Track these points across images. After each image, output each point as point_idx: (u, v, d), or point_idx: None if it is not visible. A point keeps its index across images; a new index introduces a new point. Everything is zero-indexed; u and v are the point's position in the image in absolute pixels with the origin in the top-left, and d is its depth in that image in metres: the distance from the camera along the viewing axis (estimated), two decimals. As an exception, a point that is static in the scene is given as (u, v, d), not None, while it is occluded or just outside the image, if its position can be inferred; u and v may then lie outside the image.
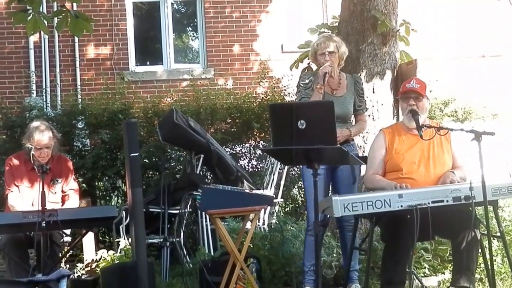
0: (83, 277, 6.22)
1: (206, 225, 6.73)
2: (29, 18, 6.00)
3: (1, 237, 5.42)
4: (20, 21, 6.12)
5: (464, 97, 8.92)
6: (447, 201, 4.39)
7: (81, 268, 6.33)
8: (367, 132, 6.24)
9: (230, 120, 8.39)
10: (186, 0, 12.07)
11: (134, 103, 8.81)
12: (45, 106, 9.56)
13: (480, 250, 4.59)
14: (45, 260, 4.83)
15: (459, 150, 4.98)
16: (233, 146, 8.30)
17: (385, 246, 4.70)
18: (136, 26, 11.45)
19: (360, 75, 6.32)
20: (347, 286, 5.17)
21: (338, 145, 4.68)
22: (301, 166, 5.61)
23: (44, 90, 10.49)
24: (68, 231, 5.71)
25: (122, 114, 8.07)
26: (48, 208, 4.93)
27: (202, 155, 7.10)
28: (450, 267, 5.51)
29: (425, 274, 5.72)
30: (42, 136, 5.59)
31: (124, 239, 6.51)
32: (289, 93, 8.43)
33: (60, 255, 5.64)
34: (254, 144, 8.38)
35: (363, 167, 5.23)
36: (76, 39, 10.77)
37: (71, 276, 5.55)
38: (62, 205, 5.71)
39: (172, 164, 8.14)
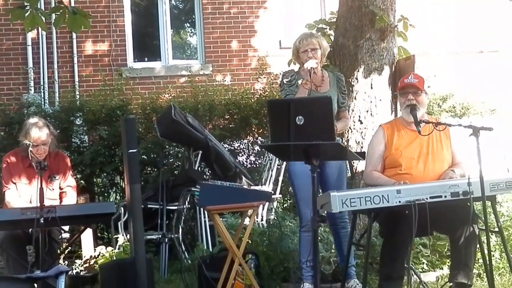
0: (81, 273, 6.24)
1: (205, 221, 6.73)
2: (27, 14, 5.99)
3: (0, 233, 5.42)
4: (18, 17, 6.11)
5: (462, 92, 8.92)
6: (445, 196, 4.39)
7: (79, 265, 6.34)
8: (365, 128, 6.26)
9: (228, 116, 8.39)
10: (184, -4, 12.09)
11: (132, 99, 8.81)
12: (43, 103, 9.56)
13: (478, 246, 4.59)
14: (43, 256, 4.83)
15: (458, 146, 4.98)
16: (231, 142, 8.31)
17: (384, 242, 4.71)
18: (134, 22, 11.43)
19: (358, 71, 6.33)
20: (346, 282, 5.17)
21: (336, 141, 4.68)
22: (287, 164, 5.60)
23: (42, 87, 10.48)
24: (66, 228, 5.71)
25: (120, 110, 8.07)
26: (46, 204, 4.93)
27: (201, 151, 7.11)
28: (448, 262, 5.53)
29: (424, 270, 5.73)
30: (39, 132, 5.57)
31: (123, 235, 6.51)
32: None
33: (59, 252, 5.64)
34: (252, 140, 8.39)
35: (361, 164, 5.23)
36: (74, 35, 10.75)
37: (69, 273, 5.56)
38: (60, 202, 5.71)
39: (171, 160, 8.14)
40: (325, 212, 4.69)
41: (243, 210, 5.38)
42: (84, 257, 6.42)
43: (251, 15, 11.49)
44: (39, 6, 6.61)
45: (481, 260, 4.80)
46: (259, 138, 8.32)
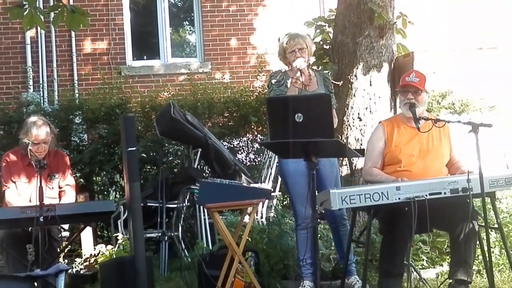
0: (81, 272, 6.24)
1: (204, 219, 6.73)
2: (25, 13, 5.98)
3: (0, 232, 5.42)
4: (16, 16, 6.10)
5: (462, 89, 8.91)
6: (445, 193, 4.40)
7: (79, 263, 6.34)
8: (364, 125, 6.26)
9: (227, 114, 8.39)
10: (182, -6, 12.08)
11: (131, 97, 8.81)
12: (42, 101, 9.55)
13: (478, 242, 4.60)
14: (43, 255, 4.84)
15: (458, 144, 4.98)
16: (231, 140, 8.30)
17: (383, 239, 4.71)
18: (133, 21, 11.43)
19: (357, 68, 6.33)
20: (346, 279, 5.18)
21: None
22: (279, 162, 5.60)
23: (41, 85, 10.47)
24: (66, 226, 5.71)
25: (120, 108, 8.07)
26: (45, 203, 4.93)
27: (200, 149, 7.10)
28: (448, 259, 5.53)
29: (423, 266, 5.73)
30: (39, 131, 5.58)
31: (122, 233, 6.51)
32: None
33: (58, 250, 5.64)
34: (251, 137, 8.39)
35: (361, 161, 5.23)
36: (73, 34, 10.74)
37: (69, 271, 5.58)
38: (59, 201, 5.71)
39: (170, 159, 8.14)
40: (323, 209, 4.70)
41: (242, 207, 5.38)
42: (84, 255, 6.42)
43: (250, 13, 11.48)
44: (37, 5, 6.60)
45: (480, 257, 4.80)
46: (259, 135, 8.32)
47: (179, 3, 12.61)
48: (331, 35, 6.72)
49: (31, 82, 10.49)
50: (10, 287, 4.34)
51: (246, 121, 8.25)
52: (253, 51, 11.28)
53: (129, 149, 4.91)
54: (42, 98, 9.93)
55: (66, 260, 6.37)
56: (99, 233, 7.66)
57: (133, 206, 4.94)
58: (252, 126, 8.32)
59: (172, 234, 6.54)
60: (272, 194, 6.71)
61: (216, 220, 5.11)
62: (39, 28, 8.66)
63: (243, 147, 8.36)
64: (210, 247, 6.42)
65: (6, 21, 9.78)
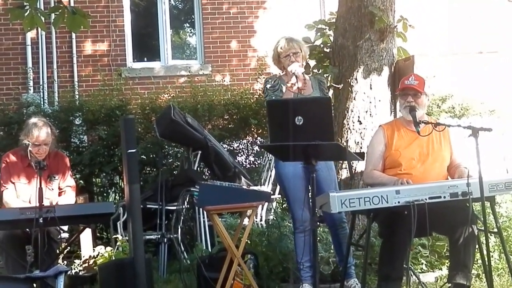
0: (80, 273, 6.24)
1: (204, 221, 6.72)
2: (26, 14, 5.99)
3: (-1, 233, 5.42)
4: (17, 17, 6.11)
5: (462, 93, 8.91)
6: (444, 197, 4.40)
7: (78, 265, 6.34)
8: (364, 128, 6.26)
9: (227, 117, 8.39)
10: (183, -4, 12.09)
11: (132, 99, 8.82)
12: (42, 103, 9.55)
13: (477, 246, 4.60)
14: (42, 256, 4.83)
15: (458, 147, 4.98)
16: (231, 143, 8.31)
17: (383, 242, 4.71)
18: (134, 22, 11.42)
19: (358, 71, 6.33)
20: (345, 282, 5.17)
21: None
22: (275, 167, 5.59)
23: (41, 87, 10.46)
24: (65, 228, 5.70)
25: (120, 110, 8.07)
26: (45, 204, 4.93)
27: (200, 152, 7.10)
28: (447, 263, 5.52)
29: (423, 270, 5.73)
30: (40, 132, 5.57)
31: (122, 235, 6.51)
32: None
33: (58, 252, 5.64)
34: (251, 140, 8.39)
35: (360, 164, 5.23)
36: (73, 35, 10.74)
37: (68, 272, 5.57)
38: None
39: (170, 161, 8.14)
40: (322, 212, 4.70)
41: (242, 210, 5.38)
42: (83, 257, 6.42)
43: (251, 15, 11.48)
44: (38, 6, 6.60)
45: (480, 261, 4.80)
46: (258, 138, 8.32)
47: (180, 5, 12.61)
48: (331, 38, 6.72)
49: (31, 83, 10.48)
50: (9, 288, 4.35)
51: (246, 123, 8.26)
52: (253, 53, 11.28)
53: (129, 151, 4.92)
54: (42, 99, 9.93)
55: (65, 262, 6.37)
56: (98, 234, 7.65)
57: (133, 208, 4.94)
58: (252, 129, 8.32)
59: (172, 236, 6.53)
60: (272, 196, 6.72)
61: (215, 222, 5.11)
62: (39, 29, 8.66)
63: (243, 149, 8.36)
64: (210, 250, 6.42)
65: (6, 22, 9.77)
